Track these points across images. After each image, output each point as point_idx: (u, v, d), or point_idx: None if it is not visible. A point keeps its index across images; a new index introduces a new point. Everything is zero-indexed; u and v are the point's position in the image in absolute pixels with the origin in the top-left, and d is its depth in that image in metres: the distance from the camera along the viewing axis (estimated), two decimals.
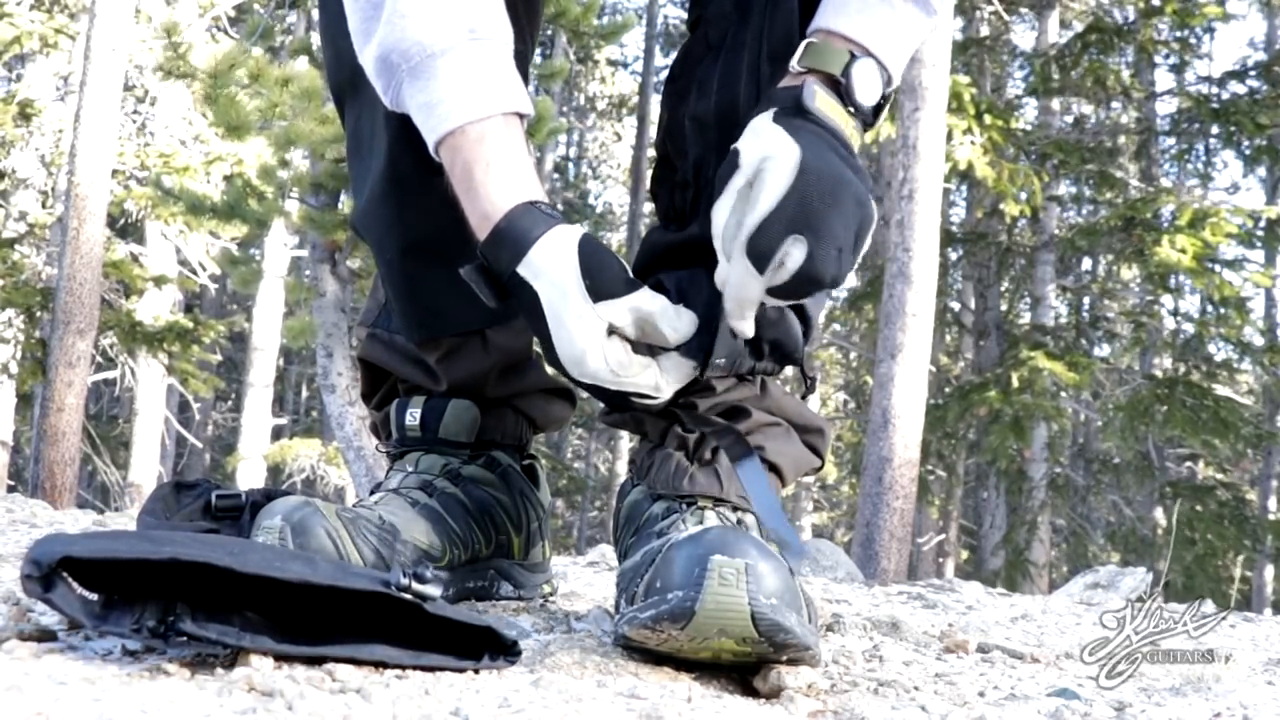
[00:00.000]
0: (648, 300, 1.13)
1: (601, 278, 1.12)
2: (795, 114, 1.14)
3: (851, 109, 1.17)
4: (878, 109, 1.20)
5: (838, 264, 1.09)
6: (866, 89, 1.18)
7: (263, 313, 12.39)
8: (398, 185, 1.39)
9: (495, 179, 1.14)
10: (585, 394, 1.21)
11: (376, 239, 1.44)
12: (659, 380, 1.16)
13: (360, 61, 1.22)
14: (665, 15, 17.07)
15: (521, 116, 1.18)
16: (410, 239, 1.41)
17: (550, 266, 1.11)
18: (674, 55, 1.43)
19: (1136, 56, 12.04)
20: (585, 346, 1.10)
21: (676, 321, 1.15)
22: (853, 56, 1.18)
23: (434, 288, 1.43)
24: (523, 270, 1.11)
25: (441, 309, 1.44)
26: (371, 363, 1.54)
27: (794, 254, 1.08)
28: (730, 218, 1.11)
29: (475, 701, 0.90)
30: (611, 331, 1.12)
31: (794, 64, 1.19)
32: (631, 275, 1.15)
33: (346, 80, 1.42)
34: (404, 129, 1.34)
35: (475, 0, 1.18)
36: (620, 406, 1.21)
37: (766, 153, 1.10)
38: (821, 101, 1.15)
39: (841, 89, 1.17)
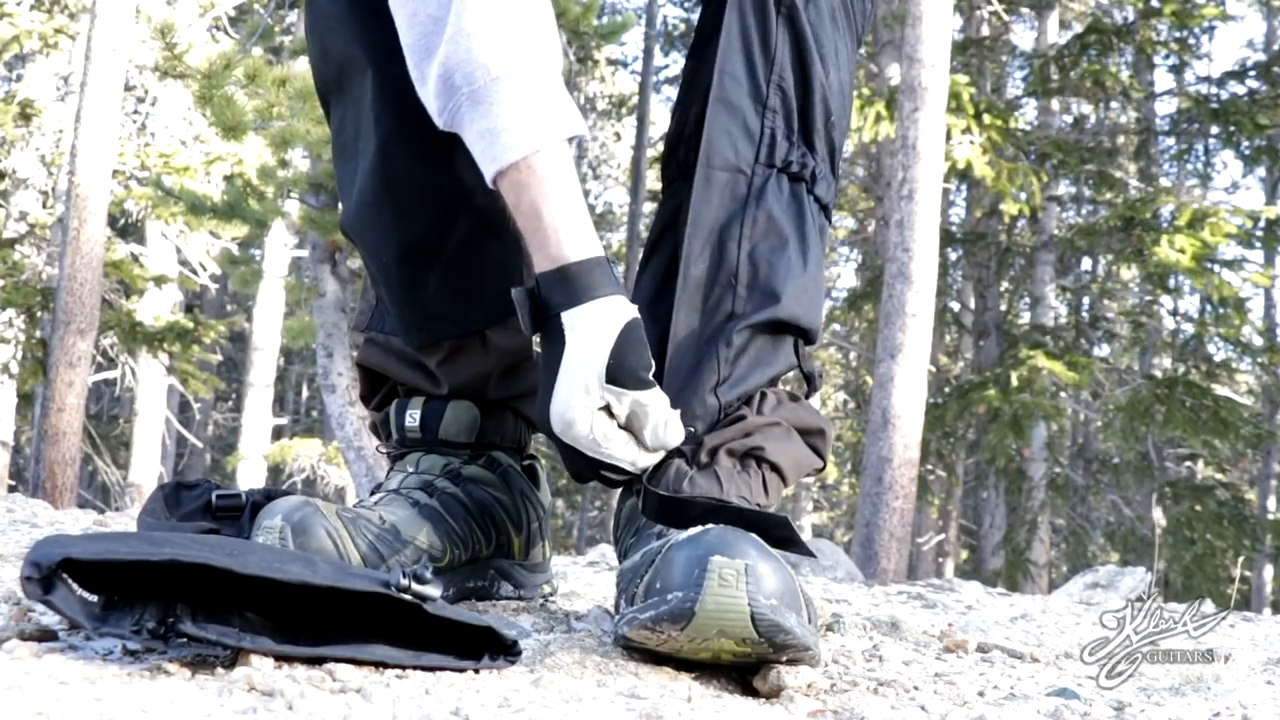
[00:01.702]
0: (651, 401, 1.20)
1: (624, 365, 1.17)
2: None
3: None
4: None
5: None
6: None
7: (263, 313, 12.39)
8: (393, 189, 1.38)
9: (566, 221, 1.17)
10: (557, 457, 1.25)
11: (370, 243, 1.43)
12: (637, 456, 1.22)
13: (414, 77, 1.22)
14: (665, 15, 17.07)
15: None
16: (407, 242, 1.40)
17: (590, 330, 1.16)
18: (674, 55, 1.45)
19: (1135, 57, 12.02)
20: (577, 414, 1.16)
21: (663, 432, 1.22)
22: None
23: (432, 290, 1.42)
24: (566, 318, 1.16)
25: (440, 311, 1.43)
26: (370, 367, 1.54)
27: None
28: None
29: (475, 701, 0.90)
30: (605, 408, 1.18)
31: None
32: (652, 372, 1.21)
33: (333, 79, 1.41)
34: (399, 131, 1.35)
35: (536, 19, 1.19)
36: (585, 478, 1.24)
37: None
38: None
39: None
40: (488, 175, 1.18)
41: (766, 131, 1.34)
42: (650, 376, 1.20)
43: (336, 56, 1.39)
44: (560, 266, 1.16)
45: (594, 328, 1.16)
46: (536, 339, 1.26)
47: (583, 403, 1.16)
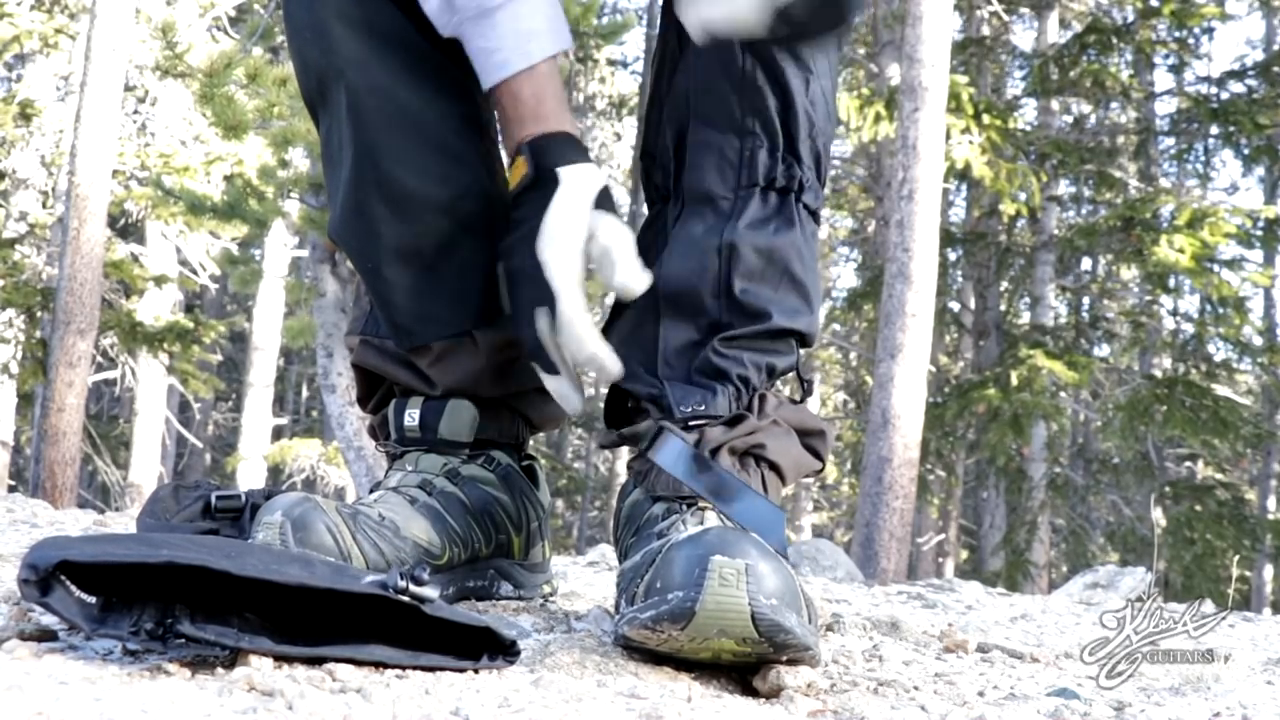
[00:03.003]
0: (626, 238, 1.29)
1: (609, 199, 1.32)
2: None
3: None
4: None
5: None
6: None
7: (263, 313, 12.39)
8: (375, 195, 1.39)
9: (563, 105, 1.34)
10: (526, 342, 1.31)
11: (357, 248, 1.44)
12: (587, 329, 1.27)
13: None
14: (659, 23, 17.00)
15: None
16: (391, 247, 1.41)
17: (584, 175, 1.31)
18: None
19: (1135, 57, 12.02)
20: (567, 231, 1.27)
21: (633, 269, 1.29)
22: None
23: (418, 293, 1.43)
24: (563, 171, 1.30)
25: (427, 314, 1.44)
26: (366, 369, 1.54)
27: None
28: None
29: (475, 701, 0.90)
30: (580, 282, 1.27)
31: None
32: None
33: (315, 89, 1.43)
34: (379, 139, 1.36)
35: None
36: (522, 331, 1.31)
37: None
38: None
39: None
40: (485, 85, 1.34)
41: (746, 155, 1.36)
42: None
43: (314, 67, 1.41)
44: (561, 132, 1.32)
45: (584, 176, 1.31)
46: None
47: (575, 222, 1.28)
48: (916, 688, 1.16)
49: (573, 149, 1.32)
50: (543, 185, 1.30)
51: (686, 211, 1.38)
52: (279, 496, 1.26)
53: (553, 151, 1.31)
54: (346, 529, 1.25)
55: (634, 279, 1.29)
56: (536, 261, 1.27)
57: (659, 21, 1.46)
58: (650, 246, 1.40)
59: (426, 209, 1.40)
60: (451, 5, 1.32)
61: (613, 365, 1.29)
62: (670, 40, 1.41)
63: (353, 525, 1.27)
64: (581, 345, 1.27)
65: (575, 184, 1.29)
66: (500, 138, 1.38)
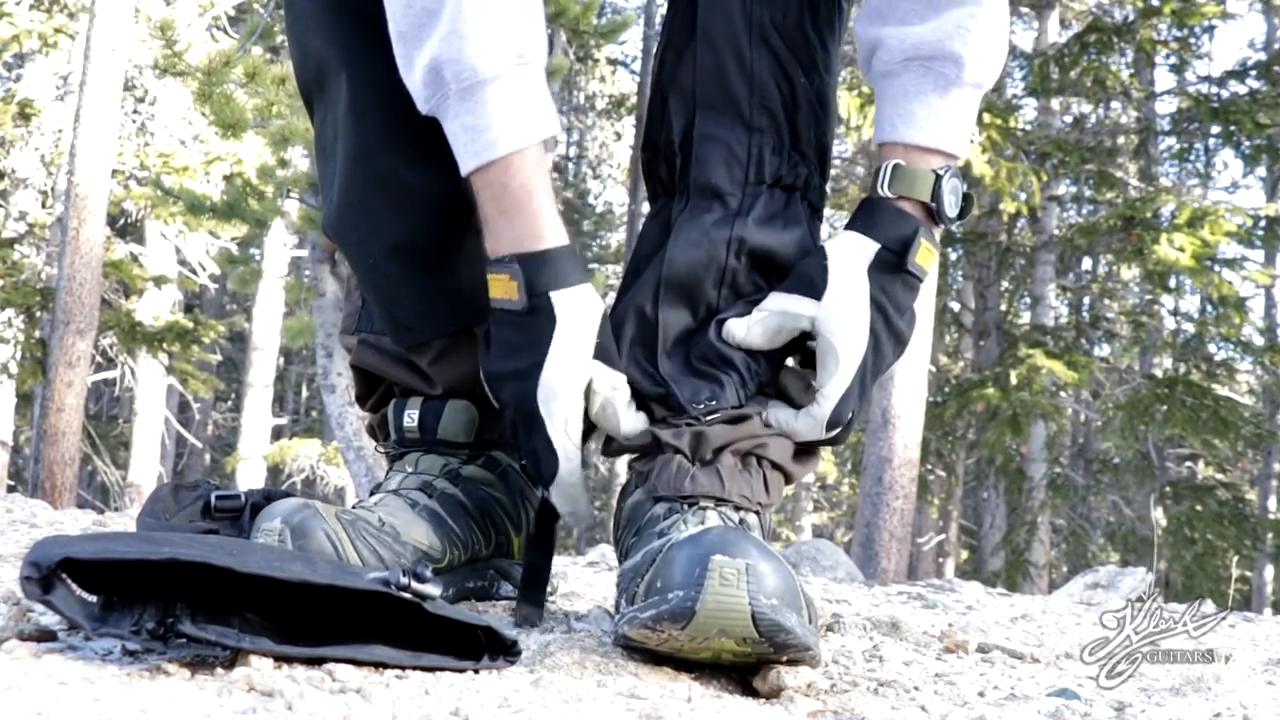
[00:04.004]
0: (622, 385, 1.29)
1: (608, 348, 1.28)
2: (895, 268, 1.29)
3: (939, 225, 1.32)
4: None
5: (863, 417, 1.32)
6: (952, 203, 1.31)
7: (263, 313, 12.39)
8: (376, 189, 1.38)
9: (549, 211, 1.24)
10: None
11: (355, 243, 1.42)
12: (573, 453, 1.27)
13: (400, 63, 1.25)
14: (664, 14, 17.02)
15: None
16: (392, 242, 1.40)
17: (582, 310, 1.24)
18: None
19: (1136, 56, 12.01)
20: (567, 385, 1.24)
21: (630, 420, 1.29)
22: (938, 176, 1.29)
23: (419, 290, 1.42)
24: (556, 297, 1.23)
25: (428, 311, 1.43)
26: (364, 369, 1.53)
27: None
28: (767, 335, 1.30)
29: (475, 701, 0.90)
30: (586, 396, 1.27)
31: (882, 188, 1.30)
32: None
33: (313, 79, 1.41)
34: (382, 132, 1.35)
35: (526, 23, 1.24)
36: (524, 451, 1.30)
37: (847, 314, 1.27)
38: (922, 254, 1.29)
39: (932, 212, 1.30)
40: (467, 167, 1.24)
41: (754, 151, 1.34)
42: (620, 366, 1.30)
43: (314, 57, 1.39)
44: (544, 250, 1.23)
45: (585, 308, 1.24)
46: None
47: (574, 376, 1.24)
48: (917, 688, 1.16)
49: (569, 266, 1.23)
50: (535, 313, 1.23)
51: (693, 205, 1.35)
52: (278, 503, 1.25)
53: (546, 271, 1.22)
54: (346, 536, 1.25)
55: (637, 428, 1.30)
56: (534, 411, 1.24)
57: (665, 9, 1.44)
58: (656, 241, 1.39)
59: (428, 204, 1.39)
60: (439, 77, 1.21)
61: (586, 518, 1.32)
62: (676, 30, 1.38)
63: (352, 532, 1.26)
64: (576, 505, 1.30)
65: (575, 322, 1.23)
66: (482, 231, 1.27)
